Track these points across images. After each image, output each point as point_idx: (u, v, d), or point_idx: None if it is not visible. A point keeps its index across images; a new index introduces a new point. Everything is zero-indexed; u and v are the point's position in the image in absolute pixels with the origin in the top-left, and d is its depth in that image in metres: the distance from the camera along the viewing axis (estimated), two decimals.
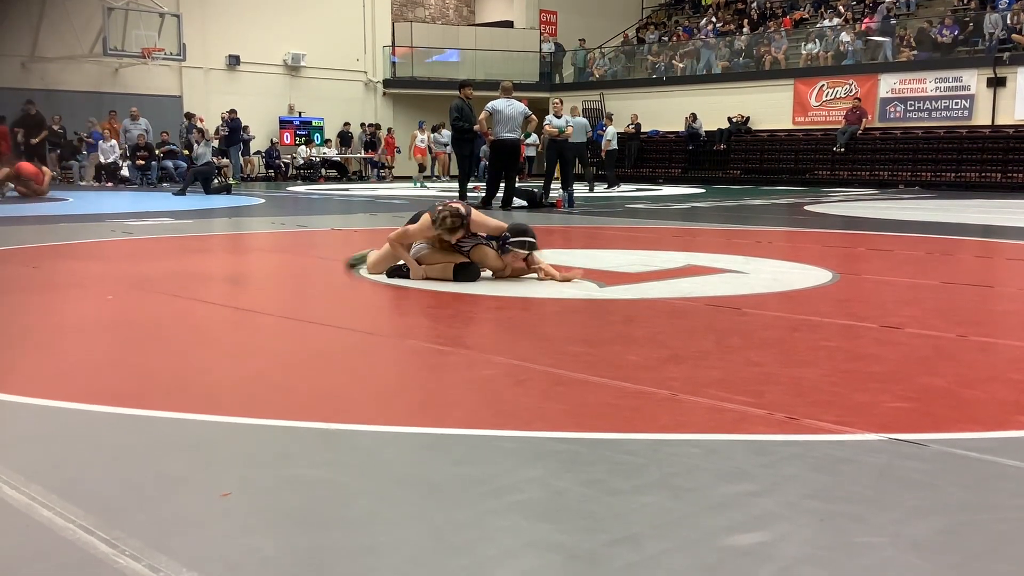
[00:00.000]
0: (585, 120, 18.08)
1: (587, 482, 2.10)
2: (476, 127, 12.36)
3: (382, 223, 10.03)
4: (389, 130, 25.27)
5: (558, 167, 13.56)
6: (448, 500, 2.00)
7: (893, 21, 21.57)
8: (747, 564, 1.68)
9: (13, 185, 14.21)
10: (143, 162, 19.12)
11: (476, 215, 5.30)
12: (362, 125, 24.88)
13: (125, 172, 18.54)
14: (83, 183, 19.17)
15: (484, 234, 5.29)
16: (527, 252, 5.28)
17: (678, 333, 3.94)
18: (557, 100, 14.80)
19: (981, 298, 5.04)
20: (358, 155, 24.66)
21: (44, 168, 15.34)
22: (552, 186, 13.32)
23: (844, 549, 1.75)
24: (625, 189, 18.15)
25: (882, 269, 6.22)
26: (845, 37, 21.86)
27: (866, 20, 22.15)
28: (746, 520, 1.87)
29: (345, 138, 24.62)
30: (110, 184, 17.92)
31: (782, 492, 2.04)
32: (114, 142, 19.22)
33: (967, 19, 20.31)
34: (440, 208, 5.19)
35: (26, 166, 14.43)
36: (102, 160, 19.08)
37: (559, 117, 13.58)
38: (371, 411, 2.74)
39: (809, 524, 1.88)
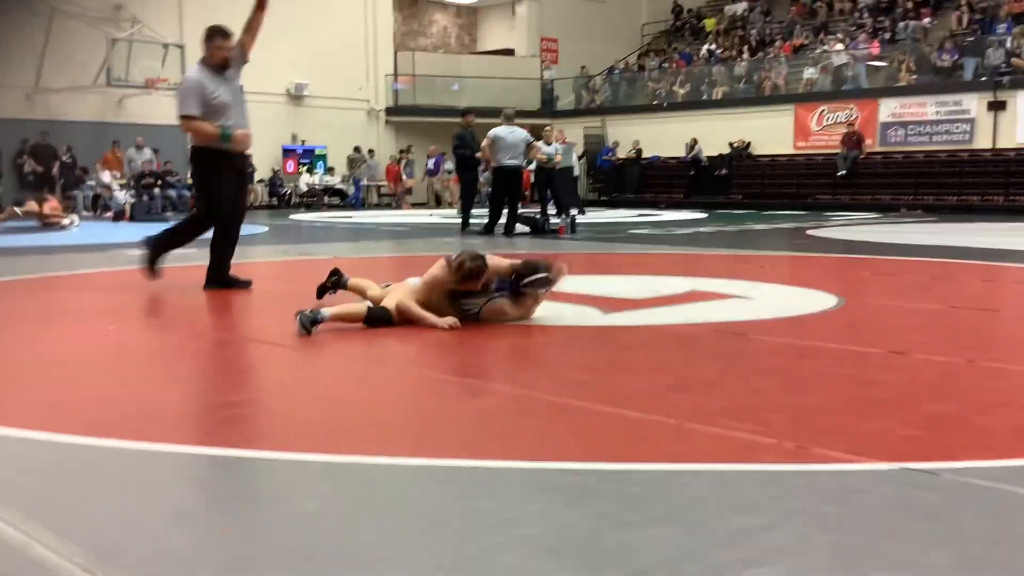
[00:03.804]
0: (568, 144, 17.94)
1: (594, 515, 2.06)
2: (479, 155, 12.39)
3: (385, 251, 10.02)
4: (391, 158, 25.37)
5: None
6: (453, 534, 1.96)
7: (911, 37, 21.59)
8: None
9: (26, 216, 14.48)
10: (150, 188, 19.06)
11: (491, 261, 4.72)
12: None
13: (120, 198, 18.32)
14: (86, 213, 19.19)
15: (495, 283, 4.72)
16: (545, 290, 4.74)
17: (683, 360, 3.91)
18: (549, 127, 14.87)
19: (988, 322, 5.00)
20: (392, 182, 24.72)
21: (50, 200, 15.46)
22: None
23: None
24: (627, 215, 18.16)
25: (887, 294, 6.19)
26: (843, 59, 21.94)
27: (871, 45, 22.21)
28: (758, 554, 1.83)
29: (355, 163, 24.80)
30: (109, 214, 17.89)
31: (793, 525, 2.00)
32: (105, 172, 19.28)
33: (966, 43, 20.40)
34: (460, 256, 4.61)
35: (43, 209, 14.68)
36: (98, 190, 19.15)
37: (548, 144, 13.64)
38: (374, 442, 2.70)
39: (822, 558, 1.84)
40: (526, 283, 4.64)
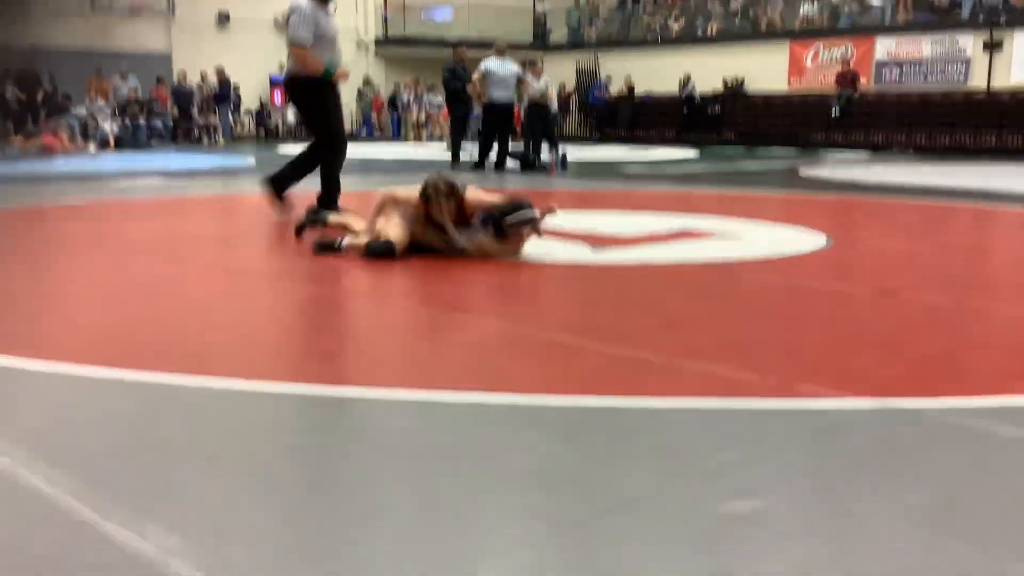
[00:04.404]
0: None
1: (580, 448, 2.08)
2: (469, 88, 12.22)
3: (374, 184, 9.93)
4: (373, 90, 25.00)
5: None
6: (439, 467, 1.98)
7: None
8: (742, 532, 1.67)
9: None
10: (135, 118, 18.78)
11: (471, 193, 4.74)
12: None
13: (105, 128, 18.01)
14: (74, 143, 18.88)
15: (478, 217, 4.66)
16: (529, 229, 4.69)
17: (671, 298, 3.92)
18: (538, 63, 14.57)
19: (977, 263, 5.02)
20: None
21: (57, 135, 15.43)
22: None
23: (840, 516, 1.74)
24: (618, 152, 18.03)
25: (877, 233, 6.19)
26: None
27: None
28: (741, 487, 1.85)
29: (364, 97, 24.36)
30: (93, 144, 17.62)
31: (777, 459, 2.02)
32: (100, 99, 18.92)
33: None
34: (429, 177, 4.65)
35: (50, 140, 14.66)
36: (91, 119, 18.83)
37: (538, 79, 13.41)
38: (362, 374, 2.71)
39: (804, 491, 1.86)
40: (510, 221, 4.62)
